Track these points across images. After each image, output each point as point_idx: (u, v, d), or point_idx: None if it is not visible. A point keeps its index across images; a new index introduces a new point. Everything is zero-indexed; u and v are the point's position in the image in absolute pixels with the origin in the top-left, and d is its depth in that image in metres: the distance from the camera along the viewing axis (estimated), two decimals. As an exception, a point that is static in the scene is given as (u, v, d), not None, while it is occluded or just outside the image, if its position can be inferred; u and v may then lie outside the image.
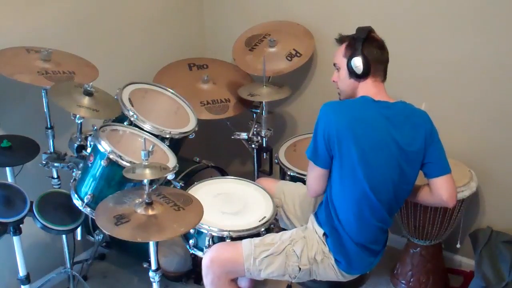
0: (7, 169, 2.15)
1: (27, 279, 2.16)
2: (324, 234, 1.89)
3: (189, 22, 3.18)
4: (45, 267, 2.59)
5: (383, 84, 1.87)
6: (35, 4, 2.32)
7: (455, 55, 2.42)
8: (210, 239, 1.96)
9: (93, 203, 2.01)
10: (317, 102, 2.88)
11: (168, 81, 2.71)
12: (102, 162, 1.97)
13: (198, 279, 2.59)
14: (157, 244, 1.86)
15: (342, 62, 1.88)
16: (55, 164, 2.22)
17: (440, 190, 1.84)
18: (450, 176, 1.85)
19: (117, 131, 2.16)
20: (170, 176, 2.08)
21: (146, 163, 1.70)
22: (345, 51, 1.86)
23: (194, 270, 2.60)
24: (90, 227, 2.52)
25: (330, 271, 1.90)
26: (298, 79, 2.95)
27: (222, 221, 2.00)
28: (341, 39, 1.91)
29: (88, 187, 2.04)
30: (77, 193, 2.06)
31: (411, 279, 2.55)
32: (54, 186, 2.34)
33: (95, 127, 2.06)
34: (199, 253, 2.00)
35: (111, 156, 1.95)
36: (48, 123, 2.24)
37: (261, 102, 2.66)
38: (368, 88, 1.84)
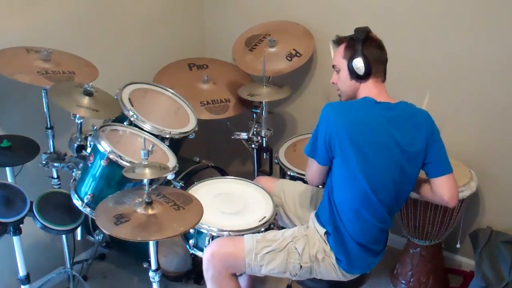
0: (7, 169, 2.15)
1: (27, 279, 2.16)
2: (326, 232, 1.89)
3: (189, 22, 3.18)
4: (45, 267, 2.59)
5: (384, 84, 1.87)
6: (35, 4, 2.32)
7: (455, 55, 2.42)
8: (210, 239, 1.96)
9: (93, 203, 2.01)
10: (317, 102, 2.89)
11: (168, 81, 2.71)
12: (102, 162, 1.97)
13: (198, 279, 2.60)
14: (157, 244, 1.87)
15: (342, 63, 1.87)
16: (55, 164, 2.22)
17: (441, 190, 1.84)
18: (452, 176, 1.85)
19: (117, 131, 2.16)
20: (170, 176, 2.08)
21: (146, 163, 1.70)
22: (345, 52, 1.86)
23: (194, 270, 2.60)
24: (90, 227, 2.52)
25: (331, 270, 1.90)
26: (298, 79, 2.95)
27: (222, 221, 2.00)
28: (338, 41, 1.91)
29: (88, 187, 2.04)
30: (77, 193, 2.06)
31: (411, 279, 2.55)
32: (54, 186, 2.34)
33: (95, 127, 2.06)
34: (199, 253, 2.00)
35: (111, 156, 1.95)
36: (48, 123, 2.24)
37: (261, 102, 2.66)
38: (369, 89, 1.84)
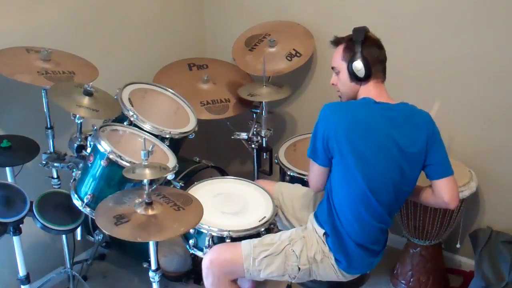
0: (7, 169, 2.15)
1: (27, 279, 2.16)
2: (325, 233, 1.89)
3: (189, 22, 3.18)
4: (45, 267, 2.59)
5: (384, 84, 1.86)
6: (35, 4, 2.32)
7: (455, 55, 2.42)
8: (210, 239, 1.96)
9: (93, 203, 2.01)
10: (317, 102, 2.88)
11: (168, 81, 2.71)
12: (102, 162, 1.97)
13: (198, 279, 2.59)
14: (157, 244, 1.86)
15: (341, 65, 1.86)
16: (55, 164, 2.22)
17: (442, 192, 1.83)
18: (453, 178, 1.84)
19: (117, 131, 2.16)
20: (170, 176, 2.08)
21: (146, 163, 1.70)
22: (344, 54, 1.84)
23: (194, 270, 2.60)
24: (90, 227, 2.52)
25: (330, 271, 1.90)
26: (298, 79, 2.95)
27: (222, 221, 2.00)
28: (337, 41, 1.88)
29: (88, 187, 2.04)
30: (77, 193, 2.06)
31: (411, 279, 2.55)
32: (54, 186, 2.34)
33: (95, 127, 2.06)
34: (199, 253, 2.00)
35: (111, 156, 1.95)
36: (48, 123, 2.24)
37: (261, 102, 2.66)
38: (369, 90, 1.83)
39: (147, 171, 1.68)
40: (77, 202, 2.05)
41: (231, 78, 2.88)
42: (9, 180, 2.16)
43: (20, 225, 2.03)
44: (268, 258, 1.87)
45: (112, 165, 1.97)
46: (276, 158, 2.56)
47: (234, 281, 1.97)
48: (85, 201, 2.02)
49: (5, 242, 2.11)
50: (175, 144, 2.32)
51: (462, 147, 2.48)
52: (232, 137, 2.74)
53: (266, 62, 2.56)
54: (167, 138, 2.25)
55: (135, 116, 2.22)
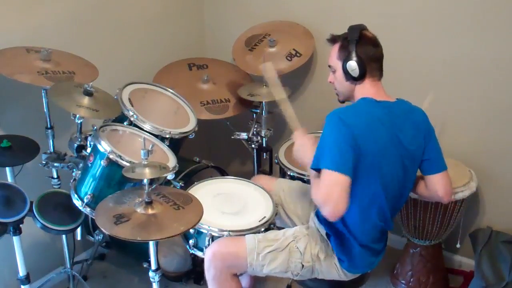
0: (7, 169, 2.15)
1: (27, 279, 2.16)
2: (327, 233, 1.89)
3: (189, 22, 3.18)
4: (45, 267, 2.59)
5: (381, 82, 1.85)
6: (35, 4, 2.32)
7: (455, 55, 2.42)
8: (210, 239, 1.96)
9: (93, 203, 2.01)
10: (317, 102, 2.89)
11: (168, 81, 2.71)
12: (102, 162, 1.97)
13: (198, 279, 2.60)
14: (157, 244, 1.86)
15: (337, 64, 1.85)
16: (55, 164, 2.23)
17: (436, 186, 1.86)
18: (446, 173, 1.86)
19: (117, 131, 2.16)
20: (170, 176, 2.09)
21: (146, 163, 1.70)
22: (339, 53, 1.83)
23: (194, 270, 2.60)
24: (90, 227, 2.52)
25: (332, 269, 1.90)
26: (298, 79, 2.95)
27: (222, 221, 2.00)
28: (333, 39, 1.87)
29: (88, 187, 2.04)
30: (77, 193, 2.06)
31: (411, 279, 2.55)
32: (54, 186, 2.34)
33: (95, 127, 2.06)
34: (199, 253, 2.00)
35: (111, 156, 1.95)
36: (48, 123, 2.24)
37: (261, 102, 2.66)
38: (366, 89, 1.82)
39: (147, 170, 1.69)
40: (77, 202, 2.05)
41: (231, 78, 2.88)
42: (9, 180, 2.16)
43: (20, 225, 2.03)
44: (272, 253, 1.87)
45: (112, 165, 1.97)
46: (276, 158, 2.56)
47: (235, 275, 1.96)
48: (85, 201, 2.02)
49: (5, 242, 2.11)
50: (175, 144, 2.32)
51: (462, 147, 2.48)
52: (232, 137, 2.75)
53: (266, 62, 2.56)
54: (167, 138, 2.25)
55: (135, 116, 2.22)
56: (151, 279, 1.92)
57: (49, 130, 2.24)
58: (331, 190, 1.62)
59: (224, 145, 3.20)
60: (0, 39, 2.18)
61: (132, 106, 2.28)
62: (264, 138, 2.73)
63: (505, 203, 2.49)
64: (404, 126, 1.78)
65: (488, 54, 2.34)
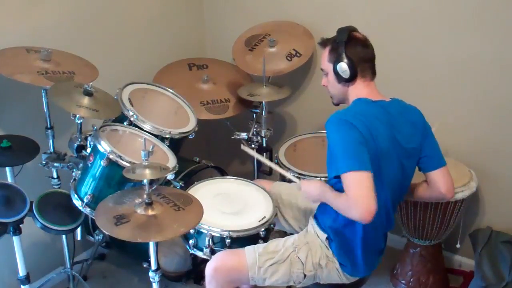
0: (7, 169, 2.15)
1: (27, 279, 2.16)
2: (327, 238, 1.88)
3: (189, 22, 3.18)
4: (45, 267, 2.59)
5: (374, 82, 1.84)
6: (35, 4, 2.32)
7: (455, 55, 2.42)
8: (210, 239, 1.95)
9: (93, 203, 2.01)
10: (317, 102, 2.88)
11: (168, 81, 2.71)
12: (102, 162, 1.97)
13: (198, 279, 2.59)
14: (157, 244, 1.86)
15: (328, 67, 1.85)
16: (55, 164, 2.23)
17: (438, 183, 1.85)
18: (446, 168, 1.85)
19: (117, 131, 2.16)
20: (170, 176, 2.09)
21: (146, 163, 1.70)
22: (329, 56, 1.83)
23: (194, 270, 2.60)
24: (90, 227, 2.52)
25: (334, 274, 1.89)
26: (298, 79, 2.95)
27: (222, 221, 1.99)
28: (323, 43, 1.88)
29: (88, 187, 2.04)
30: (77, 193, 2.06)
31: (411, 279, 2.55)
32: (54, 186, 2.34)
33: (95, 127, 2.06)
34: (199, 253, 2.00)
35: (111, 156, 1.95)
36: (48, 123, 2.24)
37: (261, 102, 2.66)
38: (359, 90, 1.81)
39: (147, 171, 1.68)
40: (77, 202, 2.05)
41: (231, 78, 2.88)
42: (9, 180, 2.16)
43: (20, 225, 2.03)
44: (274, 266, 1.85)
45: (112, 165, 1.97)
46: (276, 158, 2.56)
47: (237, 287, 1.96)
48: (85, 201, 2.02)
49: (5, 242, 2.12)
50: (175, 144, 2.32)
51: (462, 147, 2.48)
52: (232, 137, 2.74)
53: (266, 62, 2.56)
54: (167, 138, 2.25)
55: (135, 116, 2.22)
56: (151, 279, 1.92)
57: (49, 130, 2.24)
58: (357, 190, 1.59)
59: (224, 145, 3.20)
60: (0, 39, 2.18)
61: (132, 106, 2.28)
62: (264, 138, 2.73)
63: (505, 203, 2.49)
64: (401, 125, 1.78)
65: (489, 53, 2.34)
